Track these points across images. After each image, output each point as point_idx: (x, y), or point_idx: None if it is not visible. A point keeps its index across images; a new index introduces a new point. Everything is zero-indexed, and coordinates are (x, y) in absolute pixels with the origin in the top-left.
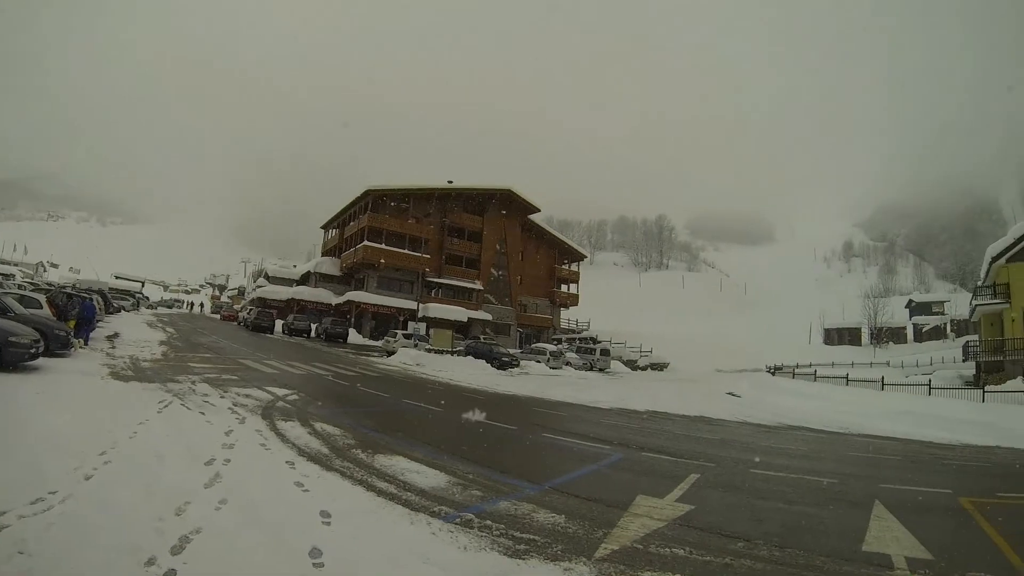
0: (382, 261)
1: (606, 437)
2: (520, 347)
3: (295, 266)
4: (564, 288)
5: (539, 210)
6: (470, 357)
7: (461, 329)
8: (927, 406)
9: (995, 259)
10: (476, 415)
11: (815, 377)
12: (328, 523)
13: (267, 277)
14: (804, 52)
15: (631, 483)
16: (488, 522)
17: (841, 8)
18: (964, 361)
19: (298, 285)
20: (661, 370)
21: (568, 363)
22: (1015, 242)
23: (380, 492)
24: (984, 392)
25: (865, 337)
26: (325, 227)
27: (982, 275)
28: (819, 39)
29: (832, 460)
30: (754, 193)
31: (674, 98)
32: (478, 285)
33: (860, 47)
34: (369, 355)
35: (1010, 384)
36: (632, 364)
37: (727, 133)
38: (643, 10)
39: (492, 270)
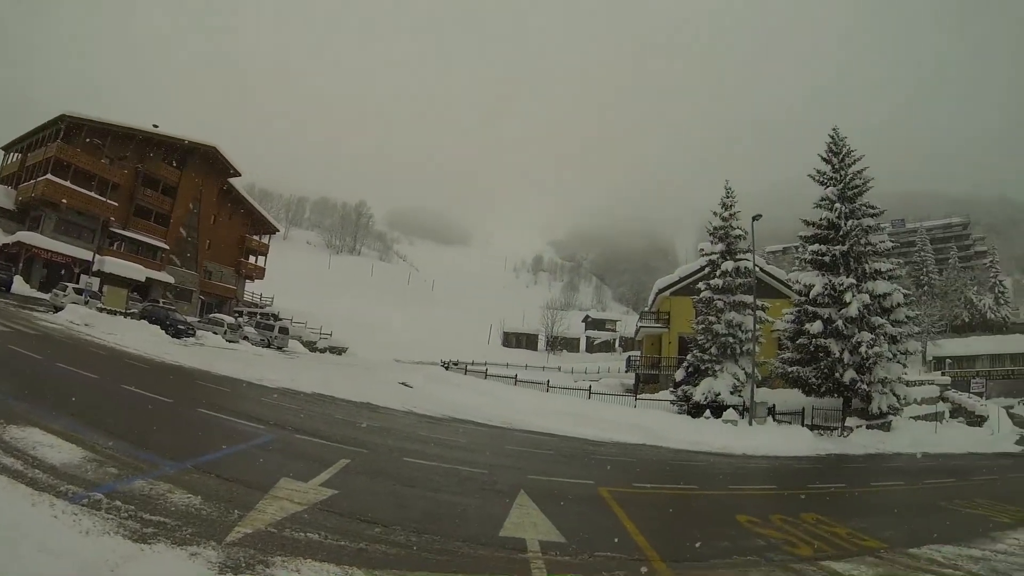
0: (64, 201)
1: (263, 416)
2: (200, 316)
3: None
4: (253, 260)
5: (240, 175)
6: (145, 321)
7: (140, 290)
8: (587, 408)
9: (662, 291)
10: (134, 385)
11: (486, 375)
12: None
13: None
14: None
15: (278, 465)
16: (118, 503)
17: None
18: (627, 372)
19: None
20: (340, 354)
21: (246, 337)
22: (679, 280)
23: (3, 469)
24: (637, 398)
25: (541, 343)
26: (7, 148)
27: (649, 302)
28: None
29: (489, 452)
30: (458, 196)
31: (398, 90)
32: (165, 244)
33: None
34: (34, 309)
35: (660, 394)
36: (311, 345)
37: (448, 136)
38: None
39: (182, 230)
